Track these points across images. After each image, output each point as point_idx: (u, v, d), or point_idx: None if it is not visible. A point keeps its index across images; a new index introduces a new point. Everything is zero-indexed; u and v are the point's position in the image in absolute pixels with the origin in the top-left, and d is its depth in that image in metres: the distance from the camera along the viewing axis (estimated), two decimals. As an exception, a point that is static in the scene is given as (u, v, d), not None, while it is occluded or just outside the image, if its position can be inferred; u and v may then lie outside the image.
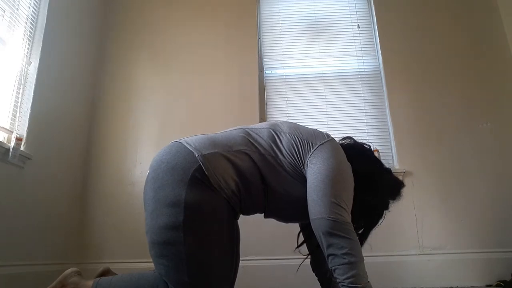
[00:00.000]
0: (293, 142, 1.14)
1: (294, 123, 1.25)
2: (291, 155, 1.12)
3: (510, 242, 2.40)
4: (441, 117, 2.71)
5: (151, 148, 2.70)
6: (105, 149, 2.73)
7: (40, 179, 2.17)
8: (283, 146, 1.14)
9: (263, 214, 1.23)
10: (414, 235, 2.45)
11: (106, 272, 1.25)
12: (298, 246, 1.42)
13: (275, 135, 1.17)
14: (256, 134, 1.18)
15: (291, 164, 1.12)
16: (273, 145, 1.14)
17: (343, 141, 1.30)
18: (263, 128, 1.20)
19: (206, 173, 1.03)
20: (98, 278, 1.11)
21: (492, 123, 2.68)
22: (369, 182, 1.19)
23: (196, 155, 1.06)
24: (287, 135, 1.16)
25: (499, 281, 2.27)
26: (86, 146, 2.72)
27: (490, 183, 2.54)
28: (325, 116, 2.83)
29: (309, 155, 1.12)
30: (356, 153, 1.22)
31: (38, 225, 2.14)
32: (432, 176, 2.58)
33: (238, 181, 1.08)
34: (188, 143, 1.11)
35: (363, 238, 1.24)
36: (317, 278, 1.43)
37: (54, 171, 2.31)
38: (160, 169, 1.07)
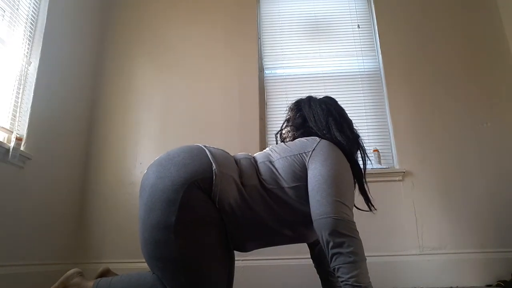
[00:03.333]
0: (288, 164, 1.14)
1: (281, 144, 1.25)
2: (293, 178, 1.12)
3: (510, 242, 2.40)
4: (441, 117, 2.71)
5: (151, 148, 2.70)
6: (105, 149, 2.73)
7: (40, 179, 2.17)
8: (281, 174, 1.13)
9: (282, 244, 1.23)
10: (414, 235, 2.45)
11: (105, 272, 1.25)
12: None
13: (271, 166, 1.16)
14: (259, 168, 1.17)
15: (294, 188, 1.11)
16: (274, 177, 1.13)
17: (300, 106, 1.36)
18: (261, 162, 1.19)
19: (213, 188, 1.03)
20: (98, 279, 1.11)
21: (492, 123, 2.68)
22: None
23: (214, 168, 1.05)
24: (280, 161, 1.16)
25: (499, 281, 2.27)
26: (86, 146, 2.72)
27: (490, 183, 2.53)
28: (325, 116, 2.82)
29: (307, 163, 1.12)
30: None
31: (38, 225, 2.14)
32: (432, 176, 2.58)
33: (238, 213, 1.07)
34: (211, 153, 1.10)
35: (362, 185, 1.26)
36: (318, 274, 1.43)
37: (54, 171, 2.31)
38: (173, 160, 1.07)
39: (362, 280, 0.98)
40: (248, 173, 1.13)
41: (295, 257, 2.30)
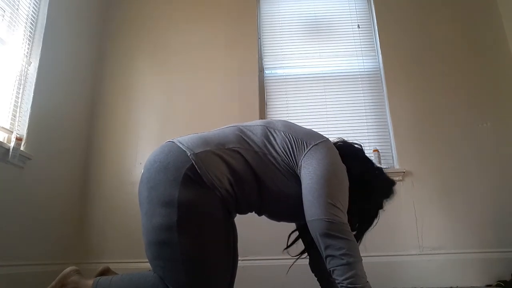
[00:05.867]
0: (287, 140, 1.14)
1: (289, 122, 1.24)
2: (284, 153, 1.12)
3: (510, 242, 2.40)
4: (441, 117, 2.71)
5: (151, 148, 2.68)
6: (105, 149, 2.73)
7: (40, 179, 2.17)
8: (277, 144, 1.13)
9: (257, 213, 1.23)
10: (414, 235, 2.45)
11: (105, 271, 1.25)
12: (287, 247, 1.41)
13: (269, 133, 1.16)
14: (250, 131, 1.17)
15: (284, 162, 1.12)
16: (266, 142, 1.14)
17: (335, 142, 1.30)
18: (257, 126, 1.19)
19: (199, 171, 1.03)
20: (98, 278, 1.11)
21: (492, 123, 2.68)
22: (362, 184, 1.18)
23: (188, 154, 1.05)
24: (281, 133, 1.16)
25: (499, 281, 2.27)
26: (86, 146, 2.72)
27: (490, 183, 2.53)
28: (325, 116, 2.83)
29: (303, 155, 1.11)
30: (347, 153, 1.21)
31: (38, 225, 2.14)
32: (432, 176, 2.57)
33: (232, 179, 1.07)
34: (180, 142, 1.11)
35: (357, 239, 1.23)
36: (316, 278, 1.43)
37: (54, 171, 2.31)
38: (153, 168, 1.07)
39: (358, 281, 0.98)
40: (228, 138, 1.14)
41: (295, 257, 2.29)
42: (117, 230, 2.52)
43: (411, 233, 2.46)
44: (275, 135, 1.15)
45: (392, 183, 1.29)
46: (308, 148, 1.12)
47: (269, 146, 1.13)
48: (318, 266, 1.40)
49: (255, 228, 2.04)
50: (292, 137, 1.14)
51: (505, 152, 2.61)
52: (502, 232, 2.42)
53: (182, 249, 0.99)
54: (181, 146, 1.09)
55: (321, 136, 1.18)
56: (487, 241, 2.41)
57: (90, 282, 1.09)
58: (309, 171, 1.08)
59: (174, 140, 1.13)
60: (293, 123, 1.24)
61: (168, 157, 1.07)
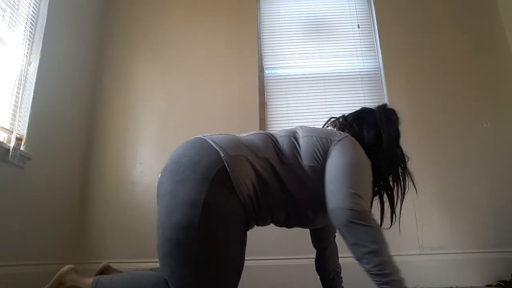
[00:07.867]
0: (311, 143, 1.14)
1: (310, 126, 1.26)
2: (310, 157, 1.12)
3: (510, 242, 2.40)
4: (441, 117, 2.71)
5: (151, 148, 2.70)
6: (105, 149, 2.73)
7: (40, 179, 2.17)
8: (302, 151, 1.14)
9: (286, 226, 1.22)
10: (414, 235, 2.45)
11: (106, 269, 1.24)
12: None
13: (294, 141, 1.16)
14: (278, 141, 1.17)
15: (311, 167, 1.11)
16: (294, 151, 1.14)
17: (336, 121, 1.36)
18: (282, 136, 1.19)
19: (230, 174, 1.01)
20: (98, 276, 1.10)
21: (492, 123, 2.68)
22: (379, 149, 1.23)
23: (222, 155, 1.03)
24: (305, 138, 1.16)
25: (499, 281, 2.27)
26: (86, 146, 2.72)
27: (490, 183, 2.53)
28: (325, 116, 2.78)
29: (328, 150, 1.12)
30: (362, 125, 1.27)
31: (38, 225, 2.14)
32: (432, 176, 2.57)
33: (258, 188, 1.06)
34: (213, 141, 1.08)
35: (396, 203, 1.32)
36: (319, 277, 1.43)
37: (54, 171, 2.31)
38: (181, 162, 1.04)
39: (387, 267, 0.96)
40: (259, 146, 1.13)
41: (295, 257, 2.30)
42: (117, 230, 2.52)
43: (411, 233, 2.46)
44: (300, 142, 1.16)
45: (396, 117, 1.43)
46: (333, 144, 1.13)
47: (296, 155, 1.13)
48: (323, 266, 1.40)
49: (256, 228, 2.03)
50: (316, 139, 1.15)
51: (504, 152, 2.61)
52: (502, 232, 2.42)
53: (196, 250, 0.97)
54: (213, 145, 1.06)
55: (343, 133, 1.20)
56: (487, 241, 2.41)
57: (90, 280, 1.08)
58: (333, 162, 1.09)
59: (206, 138, 1.10)
60: (313, 126, 1.25)
61: (200, 153, 1.04)
